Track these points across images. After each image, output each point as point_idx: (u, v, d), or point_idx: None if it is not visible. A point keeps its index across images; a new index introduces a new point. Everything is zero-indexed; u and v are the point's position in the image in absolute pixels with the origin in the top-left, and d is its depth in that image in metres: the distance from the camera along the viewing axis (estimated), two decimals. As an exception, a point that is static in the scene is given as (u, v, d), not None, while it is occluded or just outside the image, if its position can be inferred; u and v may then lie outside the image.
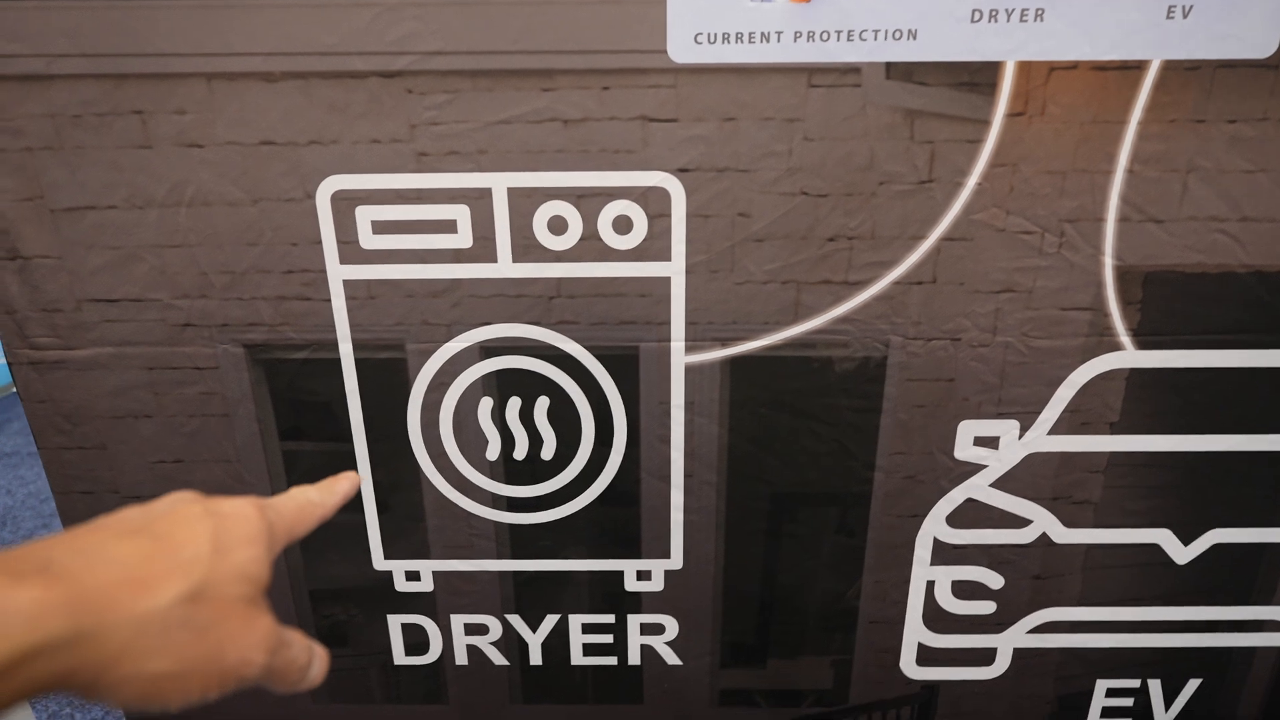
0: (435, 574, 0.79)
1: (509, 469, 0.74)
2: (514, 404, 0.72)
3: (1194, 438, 0.73)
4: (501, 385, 0.71)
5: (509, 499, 0.76)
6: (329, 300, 0.68)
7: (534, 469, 0.74)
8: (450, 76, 0.60)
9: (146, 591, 0.28)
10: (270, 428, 0.73)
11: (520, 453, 0.73)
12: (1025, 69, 0.60)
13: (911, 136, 0.62)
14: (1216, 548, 0.77)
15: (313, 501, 0.40)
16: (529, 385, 0.71)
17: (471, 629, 0.81)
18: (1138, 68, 0.60)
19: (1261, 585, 0.79)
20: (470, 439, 0.73)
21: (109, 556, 0.29)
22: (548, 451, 0.73)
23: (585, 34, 0.59)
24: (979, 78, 0.60)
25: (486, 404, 0.72)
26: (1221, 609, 0.81)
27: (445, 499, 0.75)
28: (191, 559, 0.30)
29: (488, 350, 0.70)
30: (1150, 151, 0.62)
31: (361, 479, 0.44)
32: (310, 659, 0.37)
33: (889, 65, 0.60)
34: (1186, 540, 0.77)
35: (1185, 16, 0.57)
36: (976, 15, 0.57)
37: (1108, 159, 0.63)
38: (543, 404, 0.72)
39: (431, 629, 0.81)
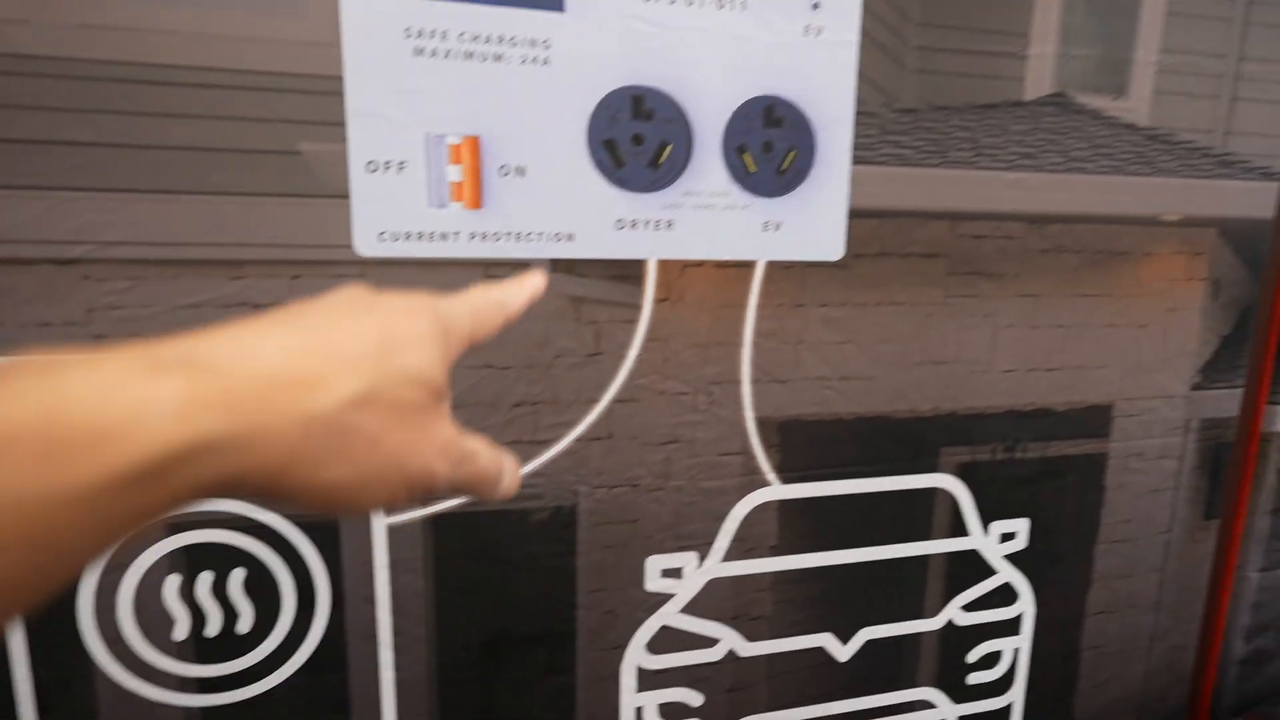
0: (115, 774, 0.72)
1: (199, 648, 0.71)
2: (205, 579, 0.70)
3: (837, 553, 0.88)
4: (190, 561, 0.69)
5: (199, 680, 0.72)
6: (-14, 486, 0.64)
7: (229, 644, 0.72)
8: (132, 265, 0.62)
9: (309, 392, 0.25)
10: (-98, 633, 0.65)
11: (214, 629, 0.71)
12: (665, 265, 0.73)
13: (579, 318, 0.73)
14: (869, 643, 0.92)
15: (494, 301, 0.35)
16: (222, 558, 0.70)
17: (161, 830, 0.75)
18: (749, 265, 0.75)
19: (905, 670, 0.95)
20: (153, 621, 0.69)
21: (264, 350, 0.26)
22: (244, 624, 0.72)
23: (273, 229, 0.64)
24: (629, 271, 0.73)
25: (173, 582, 0.69)
26: (882, 695, 0.95)
27: (124, 690, 0.70)
28: (356, 358, 0.27)
29: (174, 526, 0.68)
30: (768, 328, 0.78)
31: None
32: (500, 471, 0.34)
33: (554, 260, 0.70)
34: (844, 640, 0.91)
35: (777, 230, 0.73)
36: (620, 224, 0.70)
37: (737, 334, 0.78)
38: (238, 576, 0.71)
39: (109, 838, 0.73)
